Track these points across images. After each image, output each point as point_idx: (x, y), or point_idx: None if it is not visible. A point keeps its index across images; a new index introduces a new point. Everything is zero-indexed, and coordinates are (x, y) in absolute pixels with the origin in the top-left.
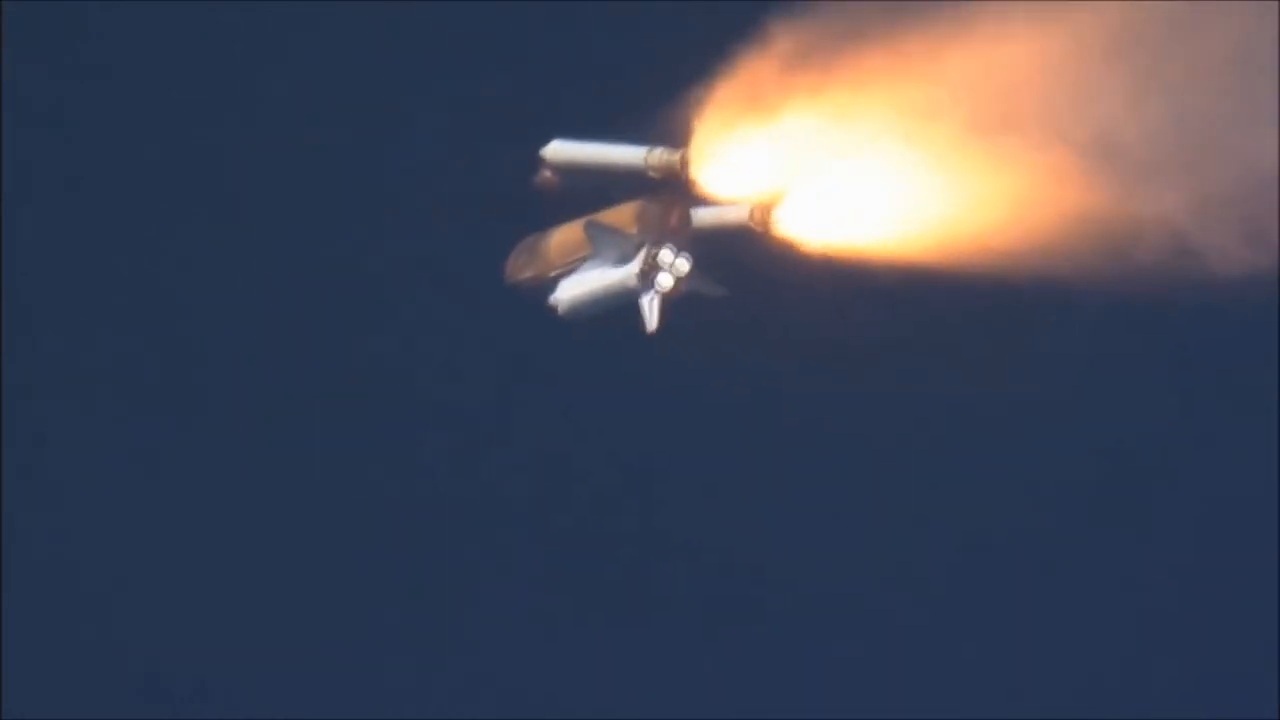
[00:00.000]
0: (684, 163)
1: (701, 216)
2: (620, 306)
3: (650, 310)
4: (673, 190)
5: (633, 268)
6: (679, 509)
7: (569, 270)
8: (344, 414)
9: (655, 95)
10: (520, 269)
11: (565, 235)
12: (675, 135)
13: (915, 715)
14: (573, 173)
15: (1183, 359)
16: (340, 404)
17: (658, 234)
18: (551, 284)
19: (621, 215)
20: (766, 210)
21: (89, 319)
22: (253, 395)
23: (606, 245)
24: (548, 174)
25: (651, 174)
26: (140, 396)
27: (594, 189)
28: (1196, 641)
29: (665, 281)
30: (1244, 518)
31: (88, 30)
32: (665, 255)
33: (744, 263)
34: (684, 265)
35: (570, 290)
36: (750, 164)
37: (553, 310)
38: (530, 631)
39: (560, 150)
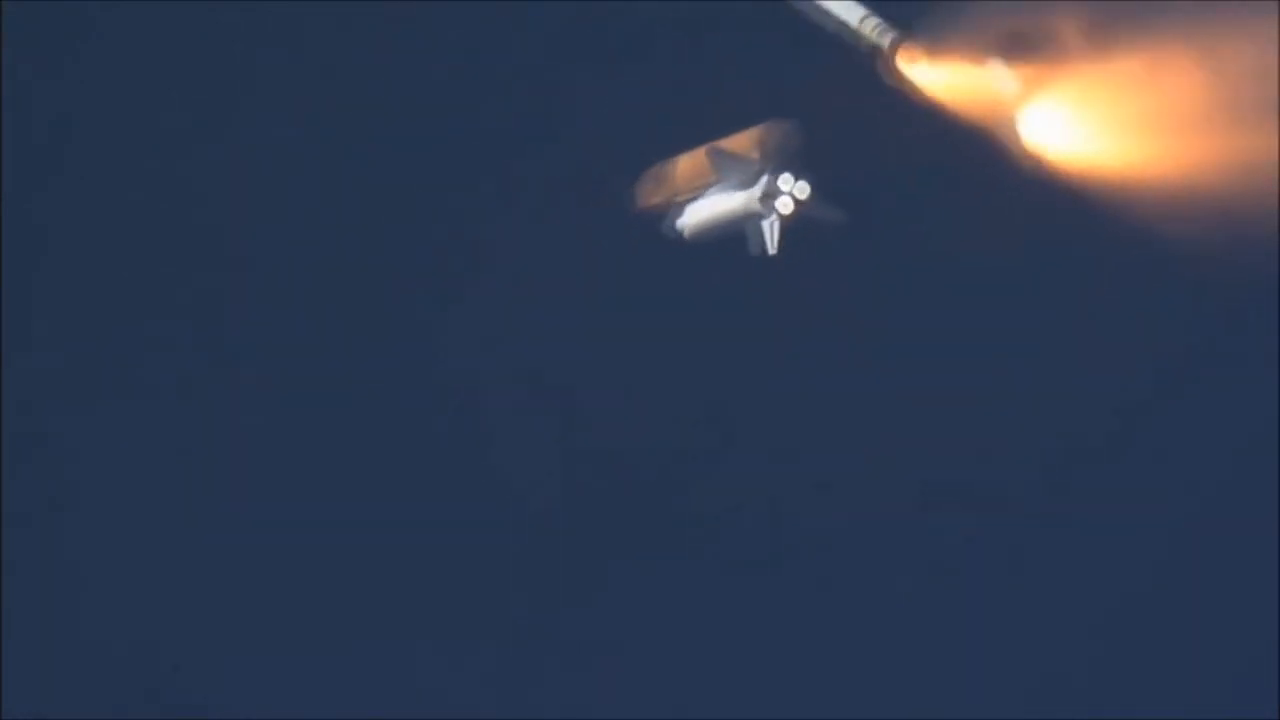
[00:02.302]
0: (892, 49)
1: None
2: (741, 229)
3: (771, 234)
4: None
5: (755, 192)
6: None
7: (694, 195)
8: (343, 414)
9: None
10: (649, 195)
11: (690, 162)
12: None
13: (916, 715)
14: None
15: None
16: (340, 405)
17: (779, 159)
18: (678, 208)
19: (744, 141)
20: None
21: (89, 319)
22: (253, 396)
23: (730, 171)
24: None
25: (858, 40)
26: (140, 397)
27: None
28: (1196, 641)
29: (786, 205)
30: (1244, 518)
31: (88, 30)
32: (786, 179)
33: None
34: (804, 189)
35: (695, 215)
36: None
37: (679, 234)
38: (530, 630)
39: None
